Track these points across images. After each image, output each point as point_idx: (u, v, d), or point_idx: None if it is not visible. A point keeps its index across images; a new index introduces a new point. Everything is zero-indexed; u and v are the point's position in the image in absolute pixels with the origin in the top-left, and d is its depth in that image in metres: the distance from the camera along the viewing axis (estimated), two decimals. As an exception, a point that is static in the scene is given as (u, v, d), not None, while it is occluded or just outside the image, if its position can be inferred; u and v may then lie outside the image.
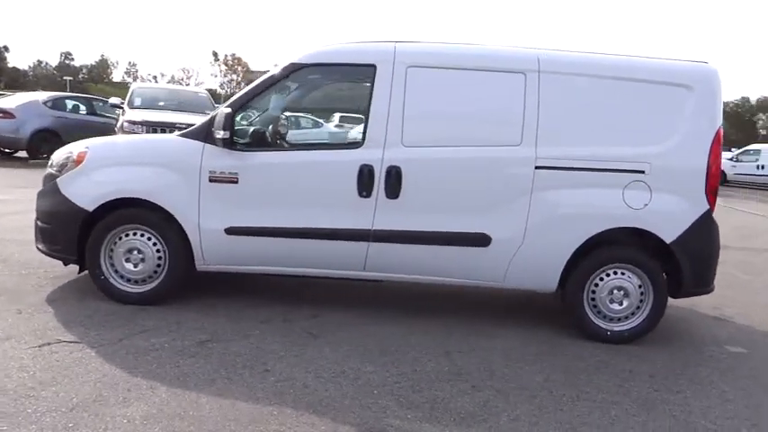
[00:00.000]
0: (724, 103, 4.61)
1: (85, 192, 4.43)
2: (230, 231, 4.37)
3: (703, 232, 4.40)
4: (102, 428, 2.81)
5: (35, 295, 4.55)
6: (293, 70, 4.42)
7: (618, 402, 3.46)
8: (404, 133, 4.29)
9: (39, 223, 4.66)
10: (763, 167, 27.20)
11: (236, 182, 4.34)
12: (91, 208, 4.39)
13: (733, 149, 30.66)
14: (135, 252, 4.45)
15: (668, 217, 4.35)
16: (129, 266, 4.46)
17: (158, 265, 4.47)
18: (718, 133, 4.38)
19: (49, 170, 4.79)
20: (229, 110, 4.22)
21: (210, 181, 4.36)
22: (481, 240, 4.35)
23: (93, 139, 4.96)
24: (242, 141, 4.46)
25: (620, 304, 4.45)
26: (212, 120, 4.34)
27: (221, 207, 4.36)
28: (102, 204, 4.38)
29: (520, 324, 4.70)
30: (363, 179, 4.27)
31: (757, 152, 27.92)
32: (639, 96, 4.37)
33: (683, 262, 4.37)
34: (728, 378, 3.97)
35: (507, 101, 4.35)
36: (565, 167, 4.33)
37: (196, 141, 4.39)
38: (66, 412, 2.91)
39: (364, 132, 4.33)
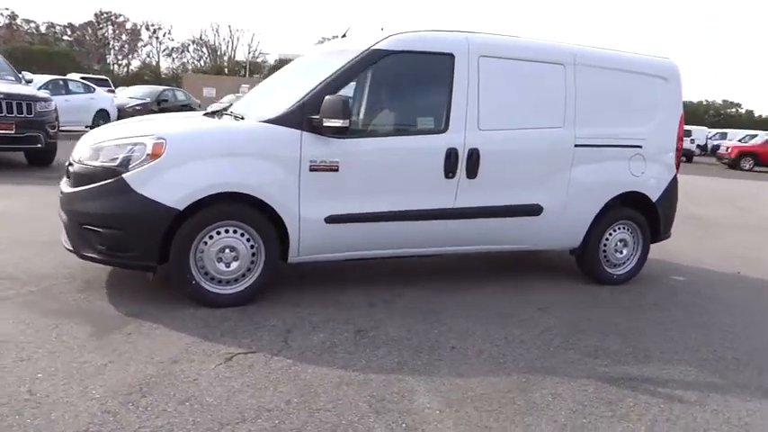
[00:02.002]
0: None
1: (172, 188, 3.93)
2: (330, 220, 4.32)
3: (672, 192, 5.70)
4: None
5: (125, 312, 3.95)
6: (379, 57, 4.45)
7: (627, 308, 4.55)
8: (479, 118, 4.68)
9: (96, 229, 3.97)
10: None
11: (337, 170, 4.29)
12: (182, 206, 3.93)
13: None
14: (227, 251, 4.11)
15: (655, 181, 5.54)
16: (221, 267, 4.11)
17: (252, 262, 4.21)
18: (681, 116, 5.67)
19: (84, 165, 4.08)
20: (344, 98, 4.12)
21: (311, 170, 4.22)
22: (536, 210, 5.02)
23: (159, 126, 4.30)
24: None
25: (621, 253, 5.55)
26: (307, 107, 4.18)
27: (321, 196, 4.27)
28: (193, 202, 3.95)
29: (554, 280, 5.52)
30: (450, 161, 4.59)
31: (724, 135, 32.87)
32: (635, 85, 5.41)
33: (661, 216, 5.63)
34: (673, 295, 5.39)
35: (553, 88, 5.03)
36: (593, 144, 5.20)
37: (291, 129, 4.19)
38: (370, 418, 2.90)
39: (447, 118, 4.62)
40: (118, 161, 3.97)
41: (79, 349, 3.36)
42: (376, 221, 4.47)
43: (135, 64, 61.60)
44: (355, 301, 4.51)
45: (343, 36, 5.21)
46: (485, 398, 3.17)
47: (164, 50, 64.39)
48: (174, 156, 3.95)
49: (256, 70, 62.71)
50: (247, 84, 43.16)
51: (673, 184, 5.68)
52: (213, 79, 45.36)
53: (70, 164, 4.39)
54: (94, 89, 17.90)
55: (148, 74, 55.46)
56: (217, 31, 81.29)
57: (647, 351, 4.00)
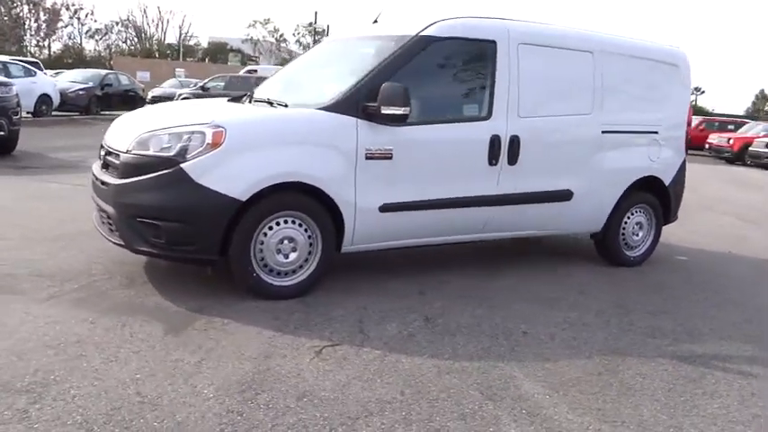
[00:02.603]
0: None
1: (234, 178, 3.79)
2: (384, 208, 4.28)
3: (681, 176, 5.95)
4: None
5: (186, 308, 3.79)
6: (427, 44, 4.41)
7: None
8: (519, 105, 4.74)
9: (154, 222, 3.78)
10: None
11: (391, 158, 4.24)
12: (244, 197, 3.80)
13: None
14: (285, 242, 4.01)
15: (668, 166, 5.77)
16: (280, 258, 4.01)
17: (308, 253, 4.12)
18: (690, 102, 5.92)
19: (135, 155, 3.87)
20: (403, 85, 4.06)
21: (367, 158, 4.16)
22: (567, 195, 5.13)
23: (212, 113, 4.09)
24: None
25: (638, 236, 5.76)
26: (362, 94, 4.11)
27: (376, 184, 4.22)
28: (256, 193, 3.83)
29: (576, 263, 5.67)
30: (494, 149, 4.63)
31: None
32: (651, 72, 5.60)
33: (672, 199, 5.87)
34: (689, 276, 5.66)
35: (582, 76, 5.13)
36: (617, 131, 5.35)
37: (347, 117, 4.11)
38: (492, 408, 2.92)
39: (490, 105, 4.64)
40: (175, 150, 3.78)
41: (163, 347, 3.22)
42: (426, 209, 4.46)
43: (56, 46, 58.30)
44: (405, 288, 4.50)
45: (375, 22, 5.12)
46: (582, 381, 3.24)
47: (86, 32, 61.22)
48: (235, 145, 3.80)
49: (189, 53, 60.72)
50: (182, 68, 41.78)
51: (682, 168, 5.93)
52: (147, 63, 43.52)
53: (109, 152, 4.16)
54: (35, 73, 16.89)
55: (72, 56, 52.62)
56: (145, 12, 78.09)
57: (698, 329, 4.19)
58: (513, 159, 4.72)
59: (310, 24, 64.62)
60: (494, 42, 4.64)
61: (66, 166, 9.05)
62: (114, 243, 4.05)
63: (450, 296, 4.42)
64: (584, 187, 5.20)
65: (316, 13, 62.26)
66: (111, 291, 3.98)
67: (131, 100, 21.72)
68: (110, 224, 4.05)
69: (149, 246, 3.85)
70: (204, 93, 22.04)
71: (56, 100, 17.17)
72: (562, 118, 5.03)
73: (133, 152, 3.90)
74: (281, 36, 70.29)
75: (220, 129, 3.79)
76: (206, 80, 23.06)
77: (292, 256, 4.04)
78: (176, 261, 4.21)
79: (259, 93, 5.12)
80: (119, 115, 5.07)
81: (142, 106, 23.64)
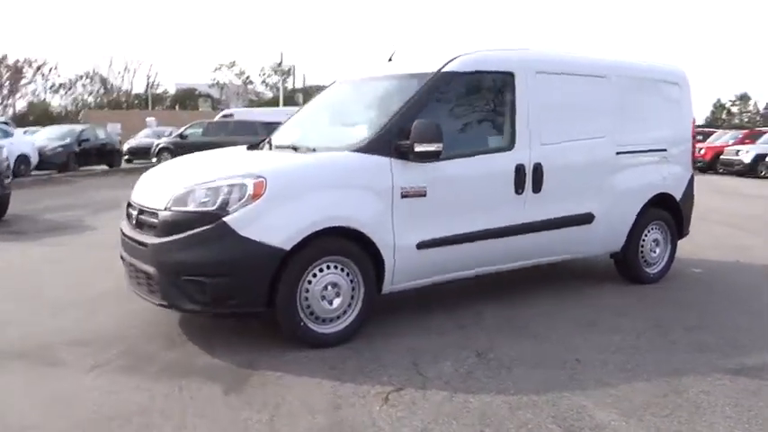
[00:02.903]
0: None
1: (278, 228, 3.77)
2: (421, 246, 4.29)
3: (690, 191, 6.08)
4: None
5: (238, 364, 3.72)
6: (450, 79, 4.49)
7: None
8: (540, 133, 4.82)
9: (200, 279, 3.73)
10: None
11: (425, 195, 4.27)
12: (288, 246, 3.77)
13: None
14: (329, 288, 3.98)
15: (678, 182, 5.90)
16: (325, 305, 3.97)
17: (351, 297, 4.09)
18: (693, 119, 6.09)
19: (174, 212, 3.84)
20: (435, 122, 4.11)
21: (402, 197, 4.18)
22: (589, 218, 5.20)
23: (249, 164, 4.11)
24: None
25: (655, 252, 5.84)
26: (393, 133, 4.15)
27: (412, 222, 4.23)
28: (299, 241, 3.81)
29: (597, 284, 5.72)
30: (520, 178, 4.69)
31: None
32: (657, 92, 5.76)
33: (683, 214, 5.99)
34: (710, 288, 5.74)
35: (597, 100, 5.26)
36: (630, 151, 5.47)
37: (381, 157, 4.13)
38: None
39: (513, 135, 4.72)
40: (216, 204, 3.76)
41: (228, 409, 3.15)
42: (460, 243, 4.48)
43: (20, 104, 57.65)
44: (444, 324, 4.48)
45: (389, 60, 5.19)
46: (652, 404, 3.24)
47: (50, 87, 60.70)
48: (276, 194, 3.79)
49: (157, 101, 60.59)
50: (152, 117, 41.63)
51: (690, 183, 6.06)
52: (117, 114, 43.34)
53: (142, 211, 4.12)
54: (12, 133, 16.68)
55: (35, 113, 51.89)
56: (110, 63, 77.77)
57: (739, 341, 4.23)
58: (537, 187, 4.79)
59: (277, 65, 65.25)
60: (511, 74, 4.73)
61: (60, 228, 8.88)
62: (156, 304, 3.98)
63: (491, 328, 4.42)
64: (603, 209, 5.28)
65: (282, 53, 62.71)
66: (155, 354, 3.89)
67: (109, 154, 21.56)
68: (149, 284, 3.99)
69: (195, 303, 3.79)
70: (183, 141, 22.01)
71: (34, 159, 16.95)
72: (580, 142, 5.13)
73: (172, 209, 3.86)
74: (247, 78, 70.65)
75: (261, 179, 3.78)
76: (183, 128, 22.97)
77: (336, 301, 4.01)
78: (222, 317, 4.15)
79: (279, 138, 5.14)
80: (97, 171, 5.06)
81: (120, 159, 23.76)
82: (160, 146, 22.65)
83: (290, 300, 3.84)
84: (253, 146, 5.35)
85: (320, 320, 3.98)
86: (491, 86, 4.74)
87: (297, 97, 56.19)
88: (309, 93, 62.85)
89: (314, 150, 4.40)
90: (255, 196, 3.75)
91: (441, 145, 4.10)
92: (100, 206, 11.33)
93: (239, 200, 3.74)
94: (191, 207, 3.83)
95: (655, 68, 5.83)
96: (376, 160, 4.12)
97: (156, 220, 3.94)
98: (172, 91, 64.56)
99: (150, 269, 3.89)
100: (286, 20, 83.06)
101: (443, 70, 4.48)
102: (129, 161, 24.99)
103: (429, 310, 4.81)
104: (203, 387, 3.40)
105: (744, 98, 70.22)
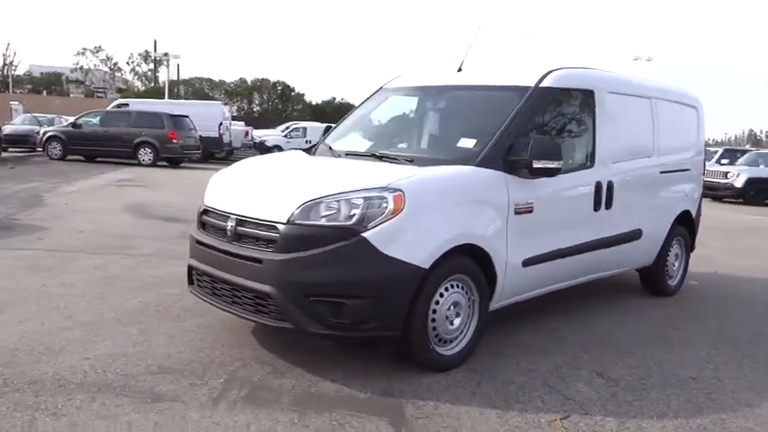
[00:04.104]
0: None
1: (417, 245, 3.49)
2: (526, 263, 4.18)
3: (700, 207, 6.46)
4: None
5: (374, 392, 3.38)
6: (546, 94, 4.41)
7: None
8: (611, 152, 4.89)
9: (337, 300, 3.36)
10: (309, 141, 32.06)
11: (532, 211, 4.16)
12: (428, 265, 3.51)
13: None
14: (451, 307, 3.76)
15: (695, 200, 6.24)
16: (448, 325, 3.75)
17: (467, 316, 3.90)
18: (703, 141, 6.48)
19: (300, 225, 3.44)
20: (555, 139, 4.01)
21: (516, 213, 4.05)
22: (639, 234, 5.35)
23: (381, 175, 3.70)
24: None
25: (675, 266, 6.14)
26: (504, 146, 4.00)
27: (520, 240, 4.11)
28: (437, 258, 3.56)
29: (618, 299, 5.89)
30: (598, 195, 4.73)
31: (304, 129, 32.66)
32: (682, 114, 6.04)
33: (696, 228, 6.35)
34: (720, 300, 6.12)
35: (644, 120, 5.42)
36: (668, 171, 5.70)
37: (498, 172, 3.97)
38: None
39: (593, 153, 4.73)
40: (354, 219, 3.40)
41: (417, 447, 2.85)
42: (553, 259, 4.42)
43: None
44: (537, 341, 4.40)
45: (459, 70, 5.00)
46: (802, 421, 3.37)
47: None
48: (414, 209, 3.50)
49: (17, 85, 55.15)
50: (17, 101, 37.78)
51: (700, 201, 6.44)
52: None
53: (244, 222, 3.66)
54: None
55: None
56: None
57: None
58: (609, 204, 4.84)
59: (147, 53, 61.52)
60: (591, 92, 4.75)
61: (4, 228, 7.75)
62: (272, 326, 3.55)
63: (574, 348, 4.36)
64: (649, 225, 5.46)
65: (155, 41, 59.04)
66: (269, 383, 3.46)
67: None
68: (260, 305, 3.54)
69: (325, 326, 3.41)
70: (76, 130, 20.15)
71: None
72: (636, 161, 5.26)
73: (298, 222, 3.45)
74: (115, 65, 66.33)
75: (399, 192, 3.48)
76: (78, 116, 21.01)
77: (456, 321, 3.79)
78: (354, 342, 3.79)
79: (344, 144, 4.80)
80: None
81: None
82: (48, 134, 20.57)
83: (424, 322, 3.57)
84: (306, 150, 4.98)
85: (442, 342, 3.75)
86: (576, 104, 4.73)
87: (178, 89, 53.53)
88: (192, 84, 60.26)
89: (412, 161, 4.14)
90: (396, 211, 3.44)
91: (561, 162, 4.02)
92: (22, 201, 10.06)
93: (380, 214, 3.42)
94: (324, 221, 3.44)
95: (680, 92, 6.12)
96: (495, 175, 3.95)
97: (274, 234, 3.49)
98: (26, 72, 59.04)
99: (267, 288, 3.45)
100: (159, 3, 78.70)
101: (541, 85, 4.39)
102: (4, 149, 22.38)
103: (509, 324, 4.69)
104: (365, 422, 3.06)
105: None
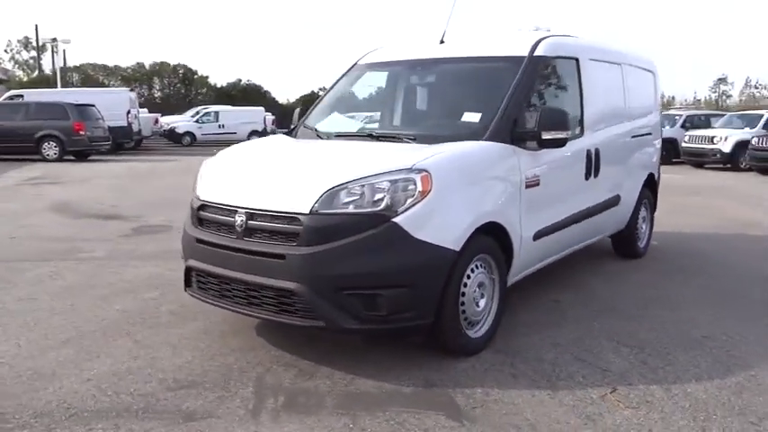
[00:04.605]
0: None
1: (447, 227, 3.34)
2: (536, 236, 4.13)
3: (659, 170, 6.67)
4: None
5: (411, 383, 3.21)
6: (539, 63, 4.32)
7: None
8: (594, 119, 4.90)
9: (373, 292, 3.15)
10: (222, 126, 30.97)
11: (539, 184, 4.10)
12: (458, 247, 3.36)
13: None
14: (477, 288, 3.64)
15: (654, 163, 6.43)
16: (475, 307, 3.63)
17: (491, 296, 3.80)
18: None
19: (332, 214, 3.20)
20: (562, 109, 3.93)
21: (526, 187, 3.97)
22: (617, 200, 5.44)
23: (402, 156, 3.48)
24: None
25: (643, 228, 6.32)
26: (511, 119, 3.89)
27: (530, 213, 4.03)
28: (467, 240, 3.42)
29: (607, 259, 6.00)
30: (589, 163, 4.74)
31: (216, 113, 31.41)
32: (643, 79, 6.17)
33: (656, 189, 6.57)
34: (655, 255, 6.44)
35: (617, 87, 5.47)
36: (638, 135, 5.82)
37: (508, 145, 3.86)
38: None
39: (582, 121, 4.72)
40: (382, 204, 3.19)
41: (489, 438, 2.73)
42: (556, 231, 4.39)
43: None
44: (547, 315, 4.38)
45: (442, 42, 4.82)
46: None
47: None
48: (440, 190, 3.33)
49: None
50: None
51: (659, 164, 6.64)
52: None
53: (253, 215, 3.35)
54: None
55: None
56: None
57: None
58: (597, 172, 4.87)
59: (27, 39, 57.04)
60: (577, 60, 4.72)
61: None
62: (297, 324, 3.29)
63: (582, 318, 4.37)
64: (625, 191, 5.57)
65: (36, 26, 54.46)
66: (300, 385, 3.24)
67: None
68: (285, 303, 3.27)
69: (362, 321, 3.20)
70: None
71: None
72: (613, 127, 5.31)
73: (322, 212, 3.20)
74: (-9, 51, 61.06)
75: (425, 173, 3.30)
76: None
77: (482, 303, 3.68)
78: (388, 335, 3.59)
79: (328, 125, 4.54)
80: None
81: None
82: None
83: (456, 306, 3.44)
84: (287, 132, 4.68)
85: (470, 325, 3.63)
86: (564, 72, 4.68)
87: (70, 77, 50.09)
88: (83, 71, 56.31)
89: (414, 140, 3.96)
90: (424, 193, 3.26)
91: (569, 132, 3.96)
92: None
93: (408, 198, 3.23)
94: (351, 208, 3.20)
95: (640, 57, 6.24)
96: (507, 149, 3.84)
97: (296, 227, 3.22)
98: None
99: (292, 285, 3.19)
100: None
101: (535, 54, 4.30)
102: None
103: (509, 302, 4.63)
104: (422, 417, 2.90)
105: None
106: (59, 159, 18.36)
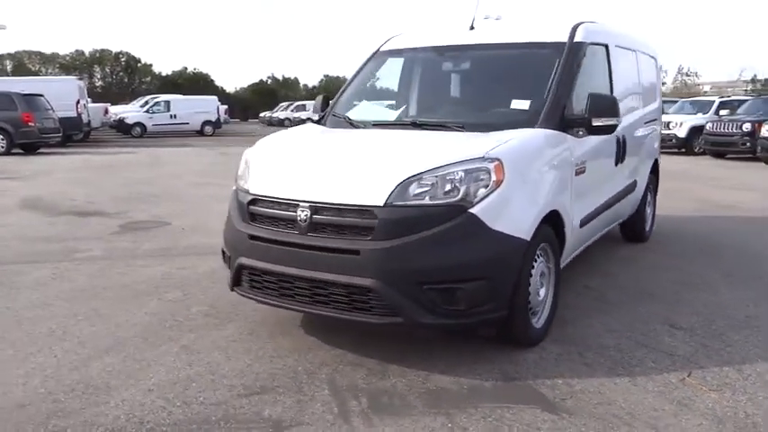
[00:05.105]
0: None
1: (519, 217, 3.27)
2: (582, 223, 4.12)
3: (659, 156, 6.78)
4: None
5: (484, 377, 3.13)
6: (580, 49, 4.27)
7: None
8: (622, 105, 4.90)
9: (454, 285, 3.05)
10: (174, 116, 30.06)
11: (585, 171, 4.07)
12: (529, 236, 3.30)
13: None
14: (538, 278, 3.59)
15: (657, 149, 6.52)
16: (537, 297, 3.58)
17: (548, 285, 3.76)
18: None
19: (408, 205, 3.08)
20: (610, 95, 3.90)
21: (576, 174, 3.94)
22: (634, 186, 5.50)
23: (470, 145, 3.38)
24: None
25: (648, 212, 6.42)
26: (560, 105, 3.84)
27: (578, 200, 4.01)
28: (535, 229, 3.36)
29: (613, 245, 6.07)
30: (619, 150, 4.76)
31: (167, 103, 30.42)
32: (649, 66, 6.22)
33: (658, 175, 6.68)
34: (660, 238, 6.64)
35: (633, 73, 5.50)
36: (648, 121, 5.88)
37: (560, 132, 3.81)
38: None
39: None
40: (459, 195, 3.09)
41: None
42: (594, 218, 4.39)
43: None
44: (587, 302, 4.38)
45: (472, 29, 4.71)
46: None
47: None
48: (512, 179, 3.25)
49: None
50: None
51: (659, 150, 6.75)
52: None
53: (318, 209, 3.19)
54: None
55: None
56: None
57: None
58: (622, 158, 4.90)
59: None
60: (606, 46, 4.71)
61: None
62: (372, 322, 3.15)
63: (623, 303, 4.41)
64: (640, 176, 5.64)
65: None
66: (378, 385, 3.11)
67: None
68: (359, 300, 3.13)
69: (440, 316, 3.10)
70: None
71: None
72: (632, 113, 5.35)
73: (397, 204, 3.07)
74: None
75: (497, 162, 3.21)
76: None
77: (542, 292, 3.64)
78: (466, 329, 3.49)
79: (362, 113, 4.40)
80: None
81: None
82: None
83: (525, 297, 3.38)
84: (317, 121, 4.52)
85: (534, 315, 3.58)
86: (597, 59, 4.64)
87: (3, 65, 47.69)
88: (18, 58, 53.51)
89: (463, 128, 3.86)
90: (498, 182, 3.17)
91: (619, 119, 3.95)
92: None
93: (483, 187, 3.13)
94: (426, 199, 3.09)
95: (647, 43, 6.29)
96: (560, 136, 3.79)
97: (370, 220, 3.08)
98: None
99: (368, 281, 3.05)
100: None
101: (575, 40, 4.25)
102: None
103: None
104: (518, 412, 2.83)
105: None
106: (6, 153, 17.44)
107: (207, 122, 30.35)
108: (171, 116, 29.91)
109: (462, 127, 3.86)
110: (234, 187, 3.86)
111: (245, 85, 63.26)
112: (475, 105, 4.31)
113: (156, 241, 6.40)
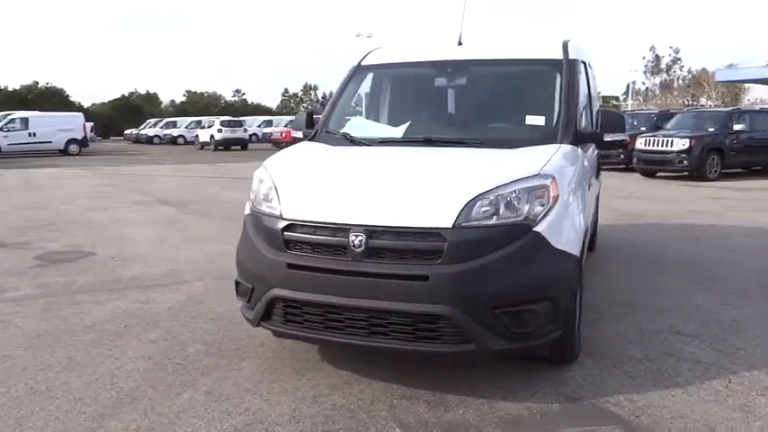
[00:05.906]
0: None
1: (570, 234, 3.24)
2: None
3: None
4: None
5: (550, 398, 3.04)
6: (573, 65, 4.34)
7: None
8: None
9: (527, 308, 2.93)
10: (34, 134, 27.50)
11: (591, 185, 4.17)
12: (579, 253, 3.28)
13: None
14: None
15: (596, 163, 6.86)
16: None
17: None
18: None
19: (477, 227, 2.94)
20: (617, 111, 3.99)
21: (589, 189, 4.01)
22: (598, 197, 5.73)
23: (522, 161, 3.31)
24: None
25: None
26: (572, 121, 3.90)
27: (585, 213, 4.07)
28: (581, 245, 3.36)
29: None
30: (596, 164, 4.93)
31: (25, 120, 27.72)
32: (594, 80, 6.53)
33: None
34: (606, 248, 7.08)
35: (594, 89, 5.72)
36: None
37: (576, 147, 3.85)
38: None
39: (592, 123, 4.86)
40: (522, 213, 3.00)
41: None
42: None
43: None
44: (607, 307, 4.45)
45: (460, 44, 4.65)
46: None
47: None
48: (563, 195, 3.22)
49: None
50: None
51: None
52: None
53: (373, 233, 2.96)
54: None
55: None
56: None
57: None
58: (598, 172, 5.08)
59: None
60: (584, 63, 4.85)
61: None
62: (440, 351, 2.96)
63: (627, 314, 4.54)
64: (598, 187, 5.87)
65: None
66: (445, 417, 2.94)
67: None
68: (429, 330, 2.92)
69: (510, 341, 2.97)
70: None
71: None
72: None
73: (465, 225, 2.91)
74: None
75: (552, 178, 3.16)
76: None
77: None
78: (528, 351, 3.31)
79: (363, 131, 4.19)
80: None
81: None
82: None
83: (577, 314, 3.35)
84: (311, 138, 4.25)
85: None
86: (582, 75, 4.75)
87: None
88: None
89: (482, 144, 3.78)
90: (555, 199, 3.12)
91: (627, 135, 4.06)
92: None
93: (543, 205, 3.06)
94: (493, 220, 2.96)
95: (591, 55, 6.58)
96: (578, 151, 3.83)
97: (438, 243, 2.89)
98: None
99: (440, 308, 2.86)
100: None
101: (569, 57, 4.34)
102: None
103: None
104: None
105: (306, 88, 77.55)
106: None
107: (72, 141, 28.02)
108: (30, 134, 27.31)
109: (481, 143, 3.78)
110: (248, 211, 3.50)
111: (105, 101, 59.26)
112: (483, 121, 4.25)
113: (93, 274, 5.70)
